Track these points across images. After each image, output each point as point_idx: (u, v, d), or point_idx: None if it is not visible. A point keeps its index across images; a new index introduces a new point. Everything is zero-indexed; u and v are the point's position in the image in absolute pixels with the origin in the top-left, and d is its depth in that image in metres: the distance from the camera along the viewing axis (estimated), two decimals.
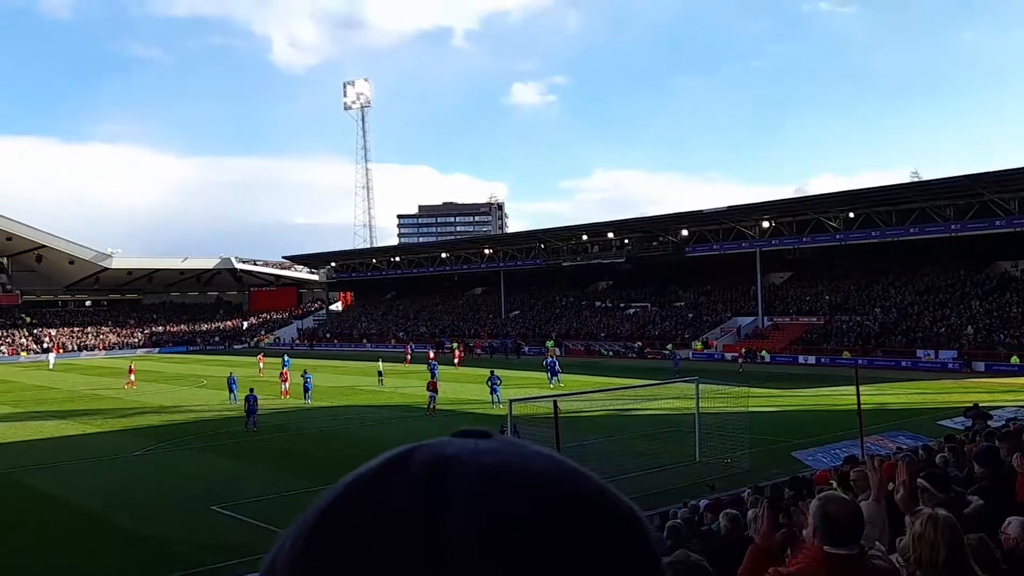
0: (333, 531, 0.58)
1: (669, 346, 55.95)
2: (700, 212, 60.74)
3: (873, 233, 54.09)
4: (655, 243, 66.68)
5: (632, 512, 0.62)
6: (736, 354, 52.21)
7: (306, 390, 36.39)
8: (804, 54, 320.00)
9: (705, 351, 56.78)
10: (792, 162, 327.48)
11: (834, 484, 9.26)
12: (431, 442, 0.63)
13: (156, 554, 14.97)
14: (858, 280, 58.42)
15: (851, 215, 54.29)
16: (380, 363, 45.69)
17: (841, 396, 31.59)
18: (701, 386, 22.58)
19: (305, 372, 37.93)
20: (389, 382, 42.80)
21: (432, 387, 32.85)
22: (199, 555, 14.75)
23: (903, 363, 46.58)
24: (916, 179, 64.95)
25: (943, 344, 47.31)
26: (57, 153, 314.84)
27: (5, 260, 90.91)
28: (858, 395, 17.61)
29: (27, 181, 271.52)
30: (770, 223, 58.58)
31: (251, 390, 29.94)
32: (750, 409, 23.16)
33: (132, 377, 45.47)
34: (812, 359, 51.39)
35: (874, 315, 53.67)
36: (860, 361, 41.37)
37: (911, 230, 52.36)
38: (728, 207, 59.09)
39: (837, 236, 55.91)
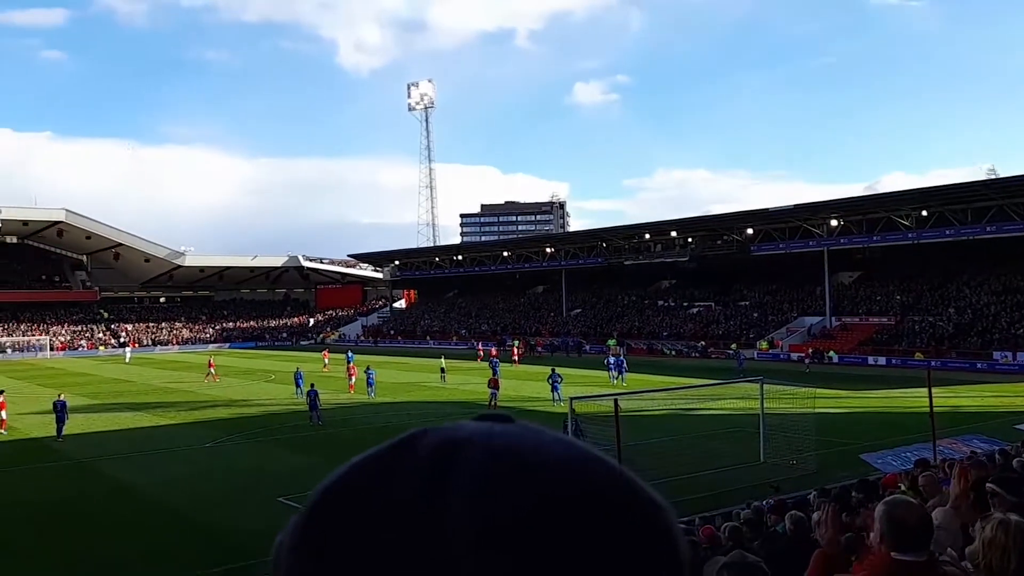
0: (331, 514, 0.56)
1: (733, 346, 55.11)
2: (766, 210, 59.68)
3: (947, 232, 52.36)
4: (719, 242, 65.76)
5: (657, 506, 0.58)
6: (803, 354, 51.17)
7: (369, 385, 37.06)
8: (873, 49, 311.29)
9: (770, 351, 55.77)
10: (861, 160, 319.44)
11: (903, 488, 9.04)
12: (445, 425, 0.61)
13: (223, 543, 15.40)
14: (931, 280, 56.65)
15: (924, 213, 52.65)
16: (443, 360, 46.17)
17: (913, 398, 30.66)
18: (766, 386, 22.21)
19: (368, 368, 38.61)
20: (451, 379, 43.16)
21: (494, 384, 33.04)
22: (265, 546, 15.10)
23: (978, 365, 45.00)
24: (993, 176, 62.65)
25: (1021, 346, 45.57)
26: (136, 155, 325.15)
27: (85, 258, 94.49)
28: (930, 397, 17.14)
29: (106, 182, 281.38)
30: (838, 221, 57.21)
31: (312, 385, 30.63)
32: (817, 410, 22.70)
33: (213, 371, 46.94)
34: (882, 360, 50.01)
35: (948, 315, 51.97)
36: (933, 363, 40.07)
37: (988, 228, 50.49)
38: (795, 205, 57.93)
39: (909, 235, 54.28)
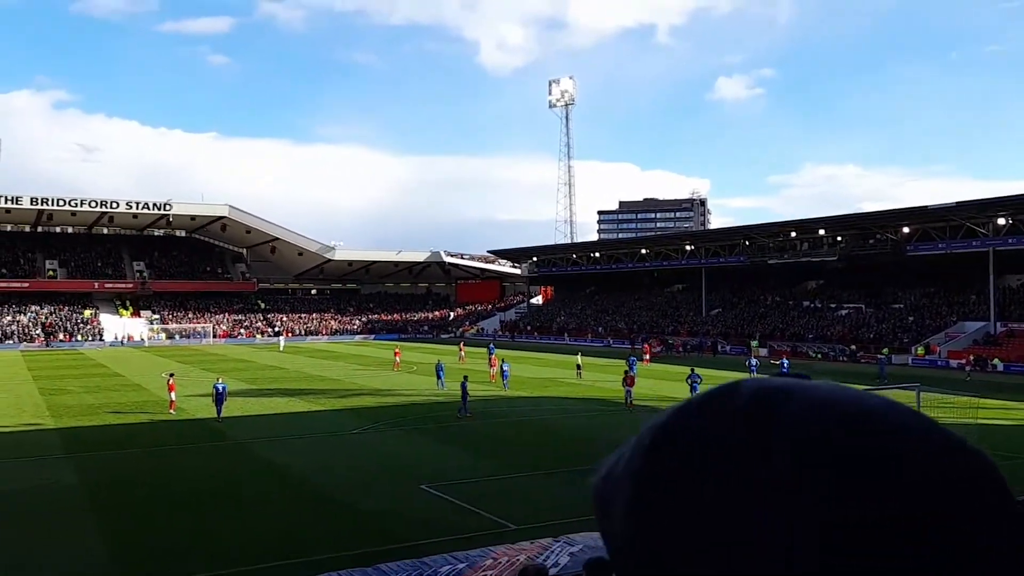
0: (666, 448, 0.62)
1: (884, 350, 52.28)
2: (925, 208, 56.22)
3: None
4: (871, 241, 62.49)
5: (990, 462, 0.58)
6: (963, 361, 47.96)
7: (504, 378, 37.90)
8: None
9: (927, 357, 52.58)
10: None
11: None
12: (755, 377, 0.66)
13: (366, 526, 16.03)
14: None
15: None
16: (579, 356, 46.20)
17: None
18: (922, 394, 21.01)
19: (503, 362, 39.56)
20: (588, 376, 43.13)
21: (629, 382, 32.79)
22: (406, 530, 15.65)
23: None
24: None
25: None
26: (290, 153, 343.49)
27: (244, 251, 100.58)
28: None
29: (265, 179, 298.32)
30: (1007, 220, 53.16)
31: (464, 378, 31.27)
32: (979, 421, 21.25)
33: (398, 359, 49.30)
34: None
35: None
36: None
37: None
38: (957, 202, 54.25)
39: None
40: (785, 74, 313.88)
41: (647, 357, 54.62)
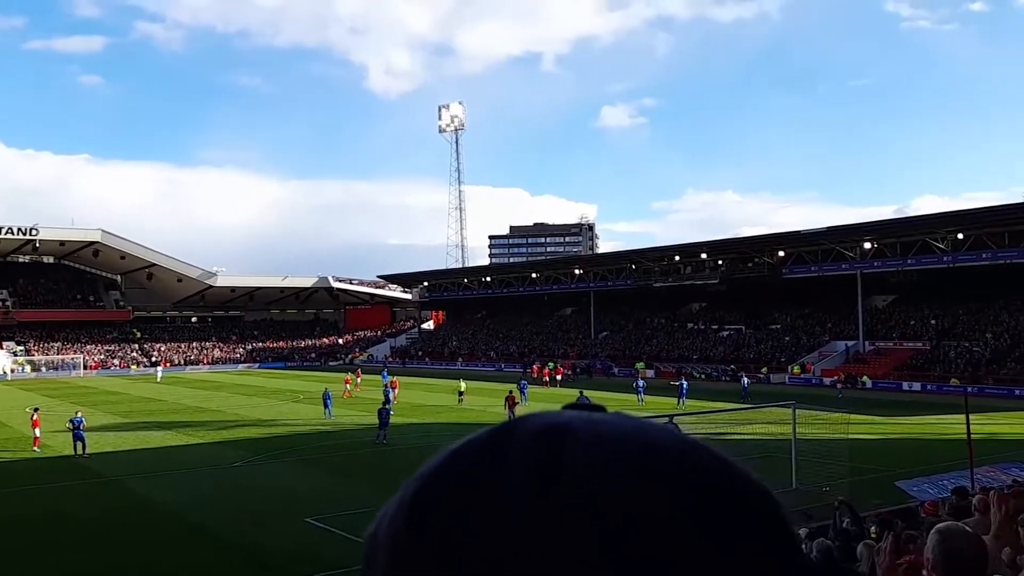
0: (436, 499, 0.54)
1: (764, 369, 54.41)
2: (798, 233, 59.15)
3: (984, 255, 51.41)
4: (750, 264, 65.19)
5: (768, 492, 0.56)
6: (835, 379, 50.41)
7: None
8: (905, 72, 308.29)
9: (802, 375, 55.01)
10: (892, 183, 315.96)
11: (943, 516, 8.75)
12: (541, 412, 0.59)
13: (250, 562, 15.38)
14: (968, 304, 55.62)
15: (960, 236, 51.80)
16: (462, 383, 45.68)
17: (949, 425, 30.00)
18: (798, 411, 21.85)
19: (386, 388, 39.59)
20: (478, 401, 42.93)
21: (510, 403, 33.23)
22: (291, 565, 15.07)
23: (1017, 392, 43.95)
24: None
25: None
26: (170, 177, 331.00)
27: (119, 278, 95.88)
28: (968, 424, 16.74)
29: (141, 203, 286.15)
30: (872, 244, 56.50)
31: (383, 403, 31.47)
32: (850, 436, 22.28)
33: (349, 387, 47.80)
34: (917, 386, 49.09)
35: (985, 341, 50.96)
36: (969, 389, 39.25)
37: None
38: (828, 228, 57.34)
39: (945, 258, 53.41)
40: (666, 104, 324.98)
41: (559, 378, 55.20)
